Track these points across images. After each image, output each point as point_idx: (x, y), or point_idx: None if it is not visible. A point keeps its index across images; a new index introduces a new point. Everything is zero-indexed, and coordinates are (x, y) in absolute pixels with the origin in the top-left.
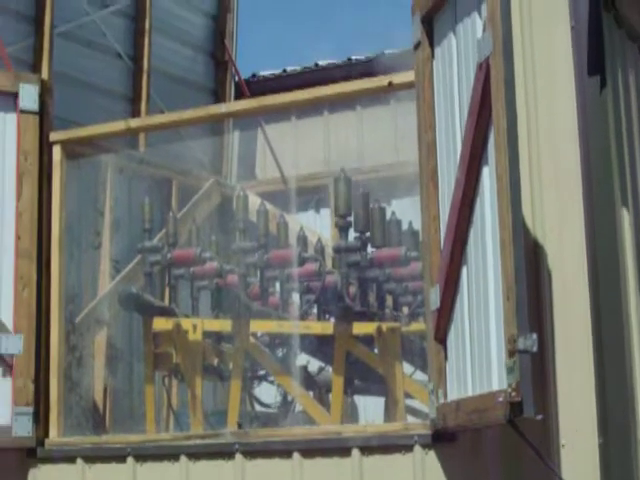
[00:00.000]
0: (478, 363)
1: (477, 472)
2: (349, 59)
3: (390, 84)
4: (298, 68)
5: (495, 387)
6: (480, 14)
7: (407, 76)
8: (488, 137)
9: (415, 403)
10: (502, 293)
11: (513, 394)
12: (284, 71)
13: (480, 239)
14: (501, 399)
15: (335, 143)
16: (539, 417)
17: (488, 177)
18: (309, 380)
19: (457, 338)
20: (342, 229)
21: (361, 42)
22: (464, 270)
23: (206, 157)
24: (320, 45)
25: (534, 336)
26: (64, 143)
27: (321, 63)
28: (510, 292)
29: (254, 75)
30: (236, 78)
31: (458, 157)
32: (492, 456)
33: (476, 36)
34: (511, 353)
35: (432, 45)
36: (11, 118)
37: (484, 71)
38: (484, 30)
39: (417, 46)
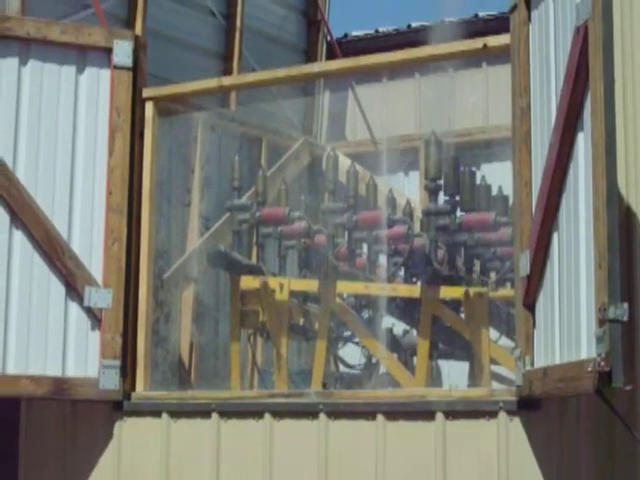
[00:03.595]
0: (567, 331)
1: (562, 440)
2: (442, 20)
3: (485, 46)
4: (390, 29)
5: (584, 356)
6: None
7: (502, 39)
8: (584, 103)
9: (500, 369)
10: (594, 261)
11: (602, 364)
12: (376, 32)
13: (573, 205)
14: (590, 368)
15: (426, 105)
16: (628, 388)
17: (583, 143)
18: (394, 343)
19: (546, 305)
20: (432, 192)
21: (454, 4)
22: (555, 236)
23: (296, 117)
24: (413, 6)
25: (625, 305)
26: (156, 100)
27: (414, 24)
28: (602, 260)
29: (346, 35)
30: (328, 38)
31: (552, 122)
32: (578, 425)
33: None
34: (601, 322)
35: (529, 8)
36: (105, 74)
37: (582, 35)
38: None
39: (513, 9)
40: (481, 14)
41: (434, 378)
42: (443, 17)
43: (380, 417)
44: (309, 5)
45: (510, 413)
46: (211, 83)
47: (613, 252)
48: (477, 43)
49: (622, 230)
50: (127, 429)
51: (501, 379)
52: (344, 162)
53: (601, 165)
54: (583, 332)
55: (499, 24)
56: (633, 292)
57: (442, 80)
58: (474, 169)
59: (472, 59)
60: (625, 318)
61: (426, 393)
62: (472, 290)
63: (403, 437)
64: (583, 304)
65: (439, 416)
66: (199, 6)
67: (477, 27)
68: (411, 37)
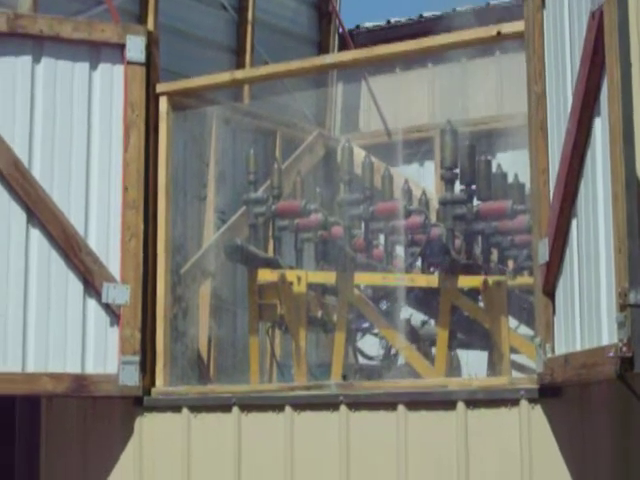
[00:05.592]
0: (587, 317)
1: (584, 427)
2: (454, 10)
3: (499, 34)
4: (402, 19)
5: (605, 342)
6: None
7: (516, 26)
8: (600, 87)
9: (519, 357)
10: (613, 246)
11: (624, 349)
12: (388, 22)
13: (591, 191)
14: (611, 354)
15: (440, 95)
16: None
17: (600, 128)
18: (413, 333)
19: (566, 292)
20: (448, 181)
21: None
22: (574, 223)
23: (310, 109)
24: None
25: None
26: (170, 94)
27: (426, 14)
28: (622, 245)
29: (358, 27)
30: (340, 30)
31: (569, 108)
32: (600, 411)
33: None
34: (622, 307)
35: None
36: (118, 70)
37: (597, 20)
38: None
39: None
40: (493, 2)
41: (453, 368)
42: (455, 6)
43: (401, 407)
44: None
45: (531, 401)
46: (224, 77)
47: (633, 236)
48: (491, 31)
49: None
50: (147, 425)
51: (520, 368)
52: (359, 154)
53: (619, 150)
54: (604, 318)
55: (511, 12)
56: None
57: (455, 69)
58: (489, 157)
59: (485, 48)
60: None
61: (447, 383)
62: (490, 279)
63: (424, 427)
64: (603, 290)
65: (460, 405)
66: (210, 0)
67: (489, 15)
68: (423, 27)
